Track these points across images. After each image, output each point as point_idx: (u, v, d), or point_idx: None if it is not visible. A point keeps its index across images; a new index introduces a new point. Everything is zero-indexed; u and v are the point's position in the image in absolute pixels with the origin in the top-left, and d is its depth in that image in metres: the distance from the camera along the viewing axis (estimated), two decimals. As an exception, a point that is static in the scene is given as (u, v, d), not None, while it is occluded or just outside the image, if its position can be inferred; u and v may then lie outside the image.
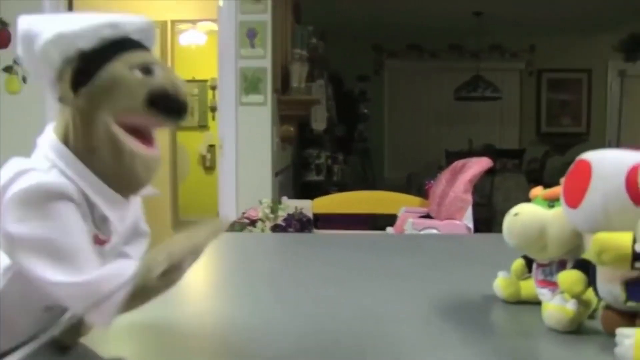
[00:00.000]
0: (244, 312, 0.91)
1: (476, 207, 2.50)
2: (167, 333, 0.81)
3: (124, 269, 0.62)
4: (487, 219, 5.56)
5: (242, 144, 3.41)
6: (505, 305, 0.87)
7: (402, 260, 1.32)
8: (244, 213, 3.13)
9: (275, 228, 2.90)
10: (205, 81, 7.02)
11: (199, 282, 1.18)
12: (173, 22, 5.34)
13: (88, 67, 0.68)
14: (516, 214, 0.81)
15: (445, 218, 2.31)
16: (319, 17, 5.51)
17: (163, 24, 5.29)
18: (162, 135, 5.52)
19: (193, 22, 5.76)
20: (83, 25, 0.69)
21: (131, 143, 0.67)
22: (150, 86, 0.67)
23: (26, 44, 0.69)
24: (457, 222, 2.26)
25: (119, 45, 0.70)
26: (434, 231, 2.25)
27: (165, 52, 5.34)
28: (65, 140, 0.69)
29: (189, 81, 7.29)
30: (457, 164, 2.57)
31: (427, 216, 2.52)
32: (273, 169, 3.50)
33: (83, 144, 0.68)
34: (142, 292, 0.61)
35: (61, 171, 0.67)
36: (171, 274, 0.60)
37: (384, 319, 0.85)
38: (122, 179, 0.69)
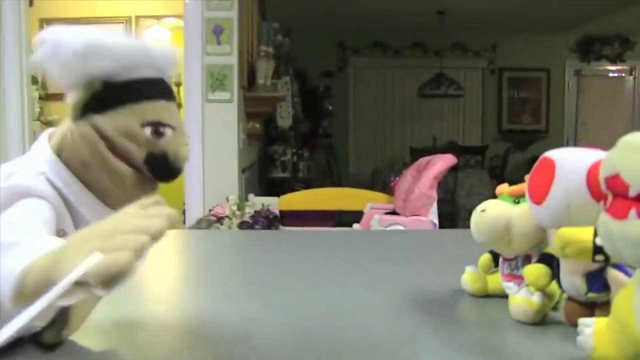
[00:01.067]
0: (214, 308, 0.92)
1: (440, 202, 2.55)
2: (141, 329, 0.81)
3: (23, 249, 0.56)
4: (451, 215, 5.65)
5: (208, 141, 3.40)
6: (473, 299, 0.90)
7: (371, 256, 1.34)
8: (210, 210, 3.12)
9: (242, 225, 2.90)
10: (169, 77, 6.96)
11: (169, 279, 1.19)
12: (137, 17, 5.28)
13: (106, 99, 0.68)
14: (483, 211, 0.84)
15: (410, 214, 2.35)
16: (284, 13, 5.51)
17: (127, 19, 5.23)
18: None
19: (157, 17, 5.70)
20: (119, 46, 0.69)
21: (125, 170, 0.69)
22: (152, 148, 0.68)
23: (53, 51, 0.69)
24: (423, 218, 2.30)
25: (142, 90, 0.70)
26: (400, 227, 2.29)
27: (129, 48, 5.27)
28: (59, 151, 0.70)
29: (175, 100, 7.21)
30: (422, 160, 2.61)
31: (393, 212, 2.56)
32: (240, 166, 3.50)
33: (77, 159, 0.69)
34: (41, 290, 0.52)
35: (48, 179, 0.68)
36: (83, 287, 0.50)
37: (355, 313, 0.87)
38: (112, 193, 0.70)
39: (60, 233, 0.70)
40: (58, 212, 0.68)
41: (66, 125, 0.71)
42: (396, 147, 7.65)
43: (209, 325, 0.83)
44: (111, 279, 0.47)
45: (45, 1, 4.93)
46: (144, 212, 0.53)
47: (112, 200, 0.71)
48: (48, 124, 4.62)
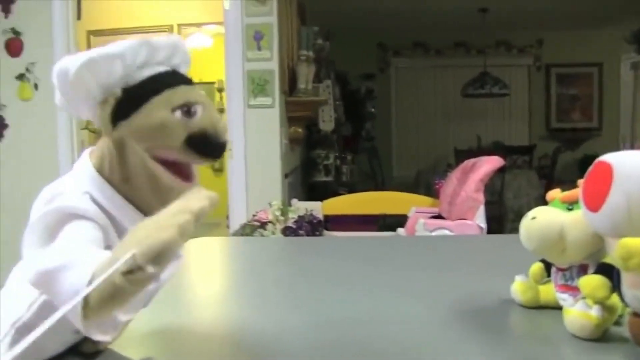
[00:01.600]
0: (256, 317, 0.90)
1: (487, 205, 2.48)
2: (182, 338, 0.80)
3: (84, 262, 0.58)
4: (499, 217, 5.52)
5: (251, 147, 3.40)
6: (524, 310, 0.85)
7: (416, 263, 1.30)
8: (254, 215, 3.11)
9: (286, 230, 2.88)
10: (212, 83, 7.02)
11: (212, 287, 1.17)
12: (179, 25, 5.34)
13: (130, 102, 0.68)
14: (533, 218, 0.79)
15: (456, 218, 2.29)
16: (323, 17, 5.49)
17: (169, 28, 5.30)
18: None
19: (199, 25, 5.76)
20: (115, 48, 0.70)
21: (168, 178, 0.68)
22: (190, 129, 0.67)
23: (62, 77, 0.69)
24: (470, 222, 2.24)
25: (161, 81, 0.70)
26: (446, 232, 2.23)
27: (172, 56, 5.34)
28: (100, 168, 0.70)
29: (195, 84, 7.30)
30: (468, 163, 2.54)
31: (439, 216, 2.50)
32: (282, 171, 3.49)
33: (118, 173, 0.69)
34: (109, 291, 0.54)
35: (92, 198, 0.68)
36: (136, 273, 0.52)
37: (399, 323, 0.83)
38: (156, 207, 0.66)
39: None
40: (104, 230, 0.68)
41: (103, 142, 0.71)
42: (440, 149, 7.54)
43: (250, 336, 0.80)
44: (158, 256, 0.49)
45: (91, 14, 5.03)
46: (188, 195, 0.56)
47: (154, 211, 0.71)
48: (96, 132, 4.70)
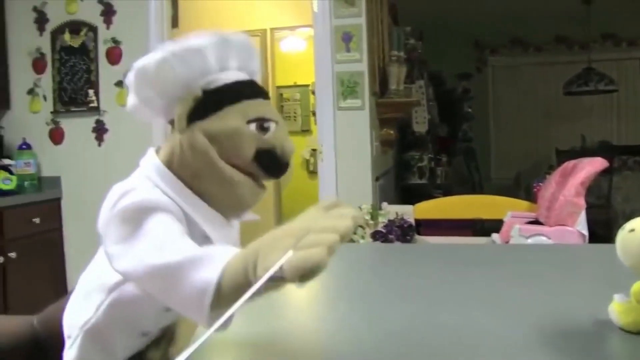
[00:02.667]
0: (335, 327, 0.88)
1: (593, 209, 2.33)
2: (265, 347, 0.79)
3: (212, 257, 0.59)
4: (606, 222, 5.20)
5: (341, 149, 3.37)
6: (624, 335, 0.76)
7: (507, 274, 1.22)
8: (344, 219, 3.08)
9: (376, 235, 2.83)
10: (306, 86, 7.07)
11: (300, 295, 1.14)
12: (272, 29, 5.41)
13: (208, 104, 0.70)
14: (632, 230, 0.71)
15: (555, 224, 2.15)
16: (416, 16, 5.39)
17: (263, 32, 5.37)
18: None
19: (292, 28, 5.82)
20: (195, 42, 0.70)
21: (237, 173, 0.70)
22: (261, 144, 0.70)
23: (141, 75, 0.71)
24: (569, 228, 2.10)
25: (241, 91, 0.72)
26: (543, 238, 2.10)
27: (266, 59, 5.42)
28: (169, 164, 0.72)
29: (290, 86, 7.38)
30: (568, 164, 2.39)
31: (536, 221, 2.37)
32: (373, 174, 3.44)
33: (189, 169, 0.71)
34: (240, 287, 0.56)
35: (163, 191, 0.70)
36: (278, 282, 0.54)
37: (479, 339, 0.77)
38: (225, 202, 0.72)
39: None
40: (180, 221, 0.69)
41: (174, 139, 0.72)
42: (541, 149, 7.20)
43: (328, 343, 0.80)
44: (307, 273, 0.50)
45: (187, 21, 5.18)
46: (329, 213, 0.57)
47: (223, 206, 0.73)
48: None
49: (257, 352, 0.77)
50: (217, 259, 0.58)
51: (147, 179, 0.71)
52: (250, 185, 0.72)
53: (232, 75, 0.72)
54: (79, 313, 0.72)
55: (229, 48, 0.72)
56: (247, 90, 0.72)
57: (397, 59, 3.63)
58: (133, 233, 0.64)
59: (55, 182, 3.67)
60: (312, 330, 0.89)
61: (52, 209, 3.63)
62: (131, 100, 0.73)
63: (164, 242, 0.63)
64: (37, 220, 3.44)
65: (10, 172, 3.42)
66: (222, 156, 0.69)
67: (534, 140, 7.36)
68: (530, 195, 3.16)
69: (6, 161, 3.51)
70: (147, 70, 0.69)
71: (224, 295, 0.56)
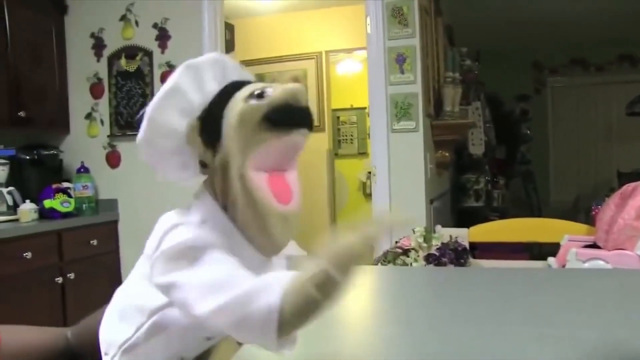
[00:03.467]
0: (381, 350, 0.88)
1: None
2: None
3: (270, 283, 0.60)
4: (671, 246, 4.99)
5: (395, 171, 3.36)
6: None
7: (560, 301, 1.19)
8: (397, 242, 3.06)
9: (429, 258, 2.79)
10: (363, 108, 7.08)
11: (346, 316, 1.14)
12: (327, 52, 5.46)
13: (210, 123, 0.69)
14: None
15: (613, 248, 2.08)
16: (473, 37, 5.35)
17: (318, 55, 5.43)
18: (320, 163, 5.65)
19: (347, 51, 5.86)
20: (167, 84, 0.71)
21: (266, 194, 0.66)
22: (265, 106, 0.66)
23: (143, 142, 0.73)
24: (629, 252, 2.02)
25: (227, 91, 0.71)
26: (601, 263, 2.03)
27: (321, 82, 5.46)
28: (215, 195, 0.71)
29: (347, 109, 7.42)
30: (628, 187, 2.31)
31: (594, 245, 2.29)
32: (427, 196, 3.41)
33: (226, 197, 0.69)
34: (303, 305, 0.58)
35: (211, 227, 0.69)
36: (327, 284, 0.56)
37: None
38: (256, 232, 0.68)
39: None
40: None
41: (213, 172, 0.71)
42: (602, 172, 6.98)
43: None
44: (344, 262, 0.55)
45: (244, 45, 5.30)
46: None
47: (260, 239, 0.69)
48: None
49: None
50: (275, 284, 0.59)
51: (197, 213, 0.70)
52: (280, 210, 0.68)
53: (213, 88, 0.71)
54: (117, 332, 0.72)
55: (198, 71, 0.72)
56: (231, 87, 0.71)
57: (452, 80, 3.61)
58: (189, 269, 0.64)
59: (112, 204, 3.77)
60: (359, 353, 0.88)
61: (109, 231, 3.71)
62: (157, 171, 0.75)
63: (225, 278, 0.63)
64: (94, 242, 3.52)
65: (69, 195, 3.52)
66: (250, 159, 0.67)
67: (594, 163, 7.15)
68: (589, 219, 3.07)
69: (65, 184, 3.61)
70: (146, 137, 0.71)
71: (289, 319, 0.57)
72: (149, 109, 0.69)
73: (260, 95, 0.67)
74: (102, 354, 0.73)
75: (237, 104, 0.67)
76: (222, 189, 0.69)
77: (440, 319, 1.06)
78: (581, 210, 5.65)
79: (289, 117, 0.67)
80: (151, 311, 0.70)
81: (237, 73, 0.76)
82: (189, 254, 0.65)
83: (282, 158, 0.69)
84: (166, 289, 0.65)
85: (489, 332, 0.95)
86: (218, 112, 0.69)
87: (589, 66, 7.01)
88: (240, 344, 0.78)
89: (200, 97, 0.71)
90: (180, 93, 0.69)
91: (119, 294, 0.77)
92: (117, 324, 0.73)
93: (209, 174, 0.72)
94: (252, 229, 0.68)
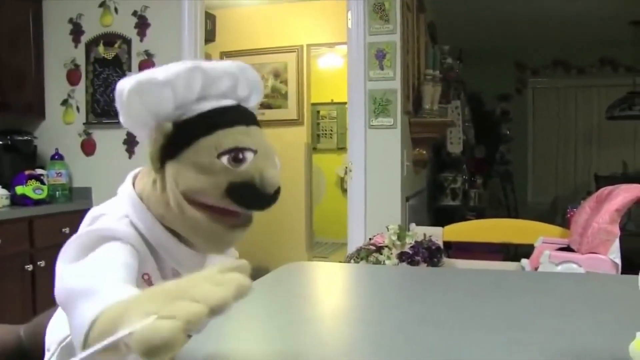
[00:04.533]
0: (342, 349, 0.86)
1: (633, 237, 2.23)
2: None
3: (102, 299, 0.55)
4: (644, 251, 5.03)
5: (371, 167, 3.33)
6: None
7: (529, 304, 1.17)
8: (370, 239, 3.03)
9: (402, 256, 2.77)
10: (344, 103, 7.07)
11: (310, 312, 1.11)
12: (309, 45, 5.41)
13: (179, 140, 0.66)
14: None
15: (587, 251, 2.07)
16: (456, 36, 5.34)
17: (299, 48, 5.38)
18: (297, 157, 5.62)
19: (329, 45, 5.81)
20: (164, 74, 0.65)
21: (205, 223, 0.65)
22: (232, 179, 0.64)
23: (118, 98, 0.67)
24: (602, 256, 2.01)
25: (216, 120, 0.66)
26: (574, 266, 2.02)
27: (302, 75, 5.42)
28: (142, 195, 0.69)
29: (327, 104, 7.38)
30: (603, 191, 2.31)
31: (568, 248, 2.28)
32: (403, 194, 3.38)
33: (158, 209, 0.67)
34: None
35: (132, 222, 0.68)
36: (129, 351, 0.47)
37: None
38: (195, 242, 0.68)
39: (145, 277, 0.68)
40: (142, 256, 0.67)
41: (149, 173, 0.69)
42: (580, 175, 7.03)
43: None
44: (152, 348, 0.43)
45: (225, 36, 5.23)
46: (217, 277, 0.48)
47: (196, 244, 0.69)
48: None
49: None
50: (103, 299, 0.54)
51: (120, 207, 0.69)
52: (217, 229, 0.66)
53: (210, 104, 0.67)
54: (60, 328, 0.71)
55: (204, 77, 0.67)
56: (222, 118, 0.66)
57: (432, 77, 3.59)
58: (77, 256, 0.63)
59: (86, 192, 3.71)
60: (324, 352, 0.85)
61: (82, 219, 3.65)
62: (121, 117, 0.70)
63: (91, 268, 0.61)
64: (66, 230, 3.47)
65: (42, 182, 3.45)
66: (193, 195, 0.65)
67: (573, 165, 7.20)
68: (565, 222, 3.07)
69: (39, 171, 3.54)
70: (120, 97, 0.66)
71: (93, 339, 0.52)
72: (136, 80, 0.64)
73: (236, 159, 0.64)
74: (46, 349, 0.71)
75: (209, 151, 0.64)
76: (154, 193, 0.68)
77: (409, 321, 1.03)
78: (558, 213, 5.68)
79: (249, 199, 0.65)
80: None
81: (250, 90, 0.73)
82: (93, 245, 0.64)
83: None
84: (57, 276, 0.63)
85: (457, 336, 0.93)
86: (192, 134, 0.65)
87: (571, 68, 7.04)
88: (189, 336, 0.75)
89: (192, 102, 0.67)
90: (170, 88, 0.65)
91: None
92: (59, 320, 0.72)
93: (145, 171, 0.71)
94: (192, 240, 0.68)
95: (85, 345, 0.52)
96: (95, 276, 0.59)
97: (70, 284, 0.59)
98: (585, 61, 6.93)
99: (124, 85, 0.65)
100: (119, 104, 0.67)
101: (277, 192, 0.66)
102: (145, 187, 0.69)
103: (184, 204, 0.64)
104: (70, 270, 0.61)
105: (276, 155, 0.69)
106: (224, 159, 0.64)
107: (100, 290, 0.56)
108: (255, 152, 0.65)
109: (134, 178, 0.72)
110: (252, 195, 0.64)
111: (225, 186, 0.64)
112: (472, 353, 0.83)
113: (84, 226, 0.67)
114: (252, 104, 0.73)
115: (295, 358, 0.82)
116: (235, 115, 0.68)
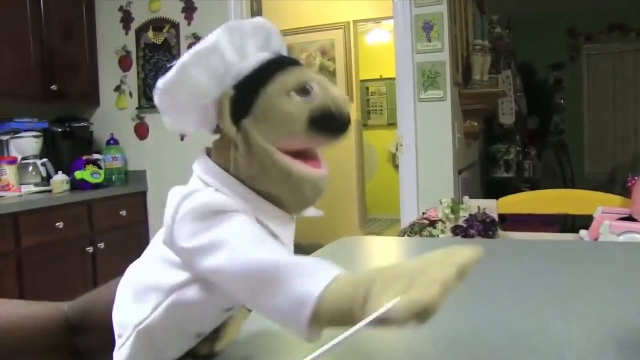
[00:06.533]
0: None
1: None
2: (292, 342, 0.75)
3: (320, 269, 0.57)
4: None
5: (422, 142, 3.30)
6: None
7: (589, 275, 1.14)
8: (424, 213, 3.01)
9: (456, 229, 2.74)
10: (393, 79, 7.00)
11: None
12: (355, 22, 5.36)
13: (245, 96, 0.66)
14: None
15: (650, 220, 2.00)
16: (504, 4, 5.19)
17: (346, 25, 5.34)
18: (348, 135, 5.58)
19: (377, 20, 5.75)
20: (204, 43, 0.66)
21: (299, 166, 0.65)
22: (310, 109, 0.64)
23: (164, 94, 0.67)
24: (665, 225, 1.94)
25: (271, 67, 0.67)
26: (637, 236, 1.96)
27: (349, 52, 5.38)
28: (227, 166, 0.68)
29: (376, 80, 7.31)
30: (666, 157, 2.22)
31: (629, 218, 2.21)
32: (455, 167, 3.34)
33: (247, 171, 0.66)
34: (346, 318, 0.52)
35: (225, 195, 0.66)
36: (392, 324, 0.50)
37: (545, 346, 0.71)
38: (289, 200, 0.67)
39: None
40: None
41: (226, 141, 0.68)
42: (639, 143, 6.77)
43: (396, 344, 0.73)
44: (419, 314, 0.47)
45: (271, 15, 5.23)
46: (450, 259, 0.52)
47: (288, 204, 0.68)
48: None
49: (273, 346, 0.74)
50: (323, 272, 0.55)
51: (204, 183, 0.68)
52: (308, 176, 0.67)
53: (255, 58, 0.67)
54: (131, 312, 0.70)
55: (242, 35, 0.68)
56: (274, 65, 0.67)
57: (481, 48, 3.51)
58: (212, 230, 0.61)
59: (141, 175, 3.81)
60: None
61: (138, 202, 3.77)
62: (166, 120, 0.70)
63: (255, 239, 0.61)
64: (123, 212, 3.58)
65: (99, 167, 3.57)
66: (280, 145, 0.65)
67: (632, 134, 6.92)
68: (625, 192, 2.98)
69: (95, 156, 3.67)
70: (169, 87, 0.66)
71: (323, 315, 0.53)
72: (181, 61, 0.65)
73: (306, 91, 0.65)
74: (116, 336, 0.71)
75: (279, 94, 0.65)
76: (241, 160, 0.66)
77: (462, 294, 1.01)
78: (617, 183, 5.50)
79: (331, 125, 0.66)
80: (168, 289, 0.67)
81: (280, 44, 0.73)
82: (210, 217, 0.62)
83: (310, 148, 0.69)
84: (200, 251, 0.61)
85: (510, 308, 0.91)
86: (255, 87, 0.66)
87: (629, 31, 6.70)
88: (250, 311, 0.76)
89: (237, 63, 0.67)
90: (217, 54, 0.66)
91: (132, 273, 0.74)
92: (131, 304, 0.70)
93: (221, 143, 0.69)
94: (284, 195, 0.67)
95: (313, 322, 0.53)
96: (272, 249, 0.60)
97: (253, 256, 0.58)
98: (646, 22, 6.58)
99: (167, 77, 0.66)
100: (162, 102, 0.68)
101: (349, 116, 0.67)
102: (227, 155, 0.68)
103: (274, 154, 0.64)
104: (234, 244, 0.60)
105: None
106: (295, 96, 0.64)
107: (310, 263, 0.57)
108: (318, 82, 0.66)
109: (210, 154, 0.71)
110: (332, 119, 0.65)
111: (305, 118, 0.64)
112: (525, 325, 0.81)
113: (174, 206, 0.64)
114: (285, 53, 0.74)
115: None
116: (285, 60, 0.68)
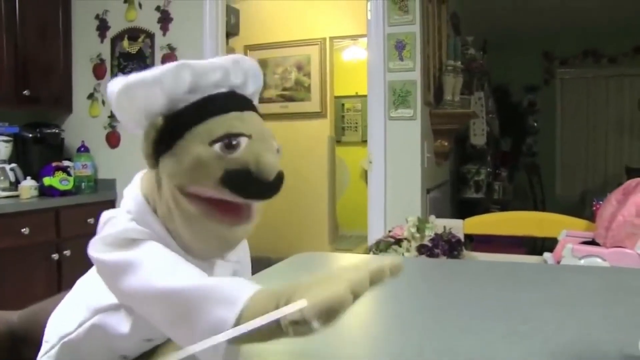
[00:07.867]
0: (355, 341, 0.84)
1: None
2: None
3: (233, 289, 0.55)
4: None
5: (391, 159, 3.29)
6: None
7: (542, 296, 1.13)
8: (390, 231, 2.99)
9: (421, 248, 2.73)
10: (366, 96, 7.03)
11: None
12: (332, 38, 5.37)
13: (172, 132, 0.63)
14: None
15: (612, 245, 2.00)
16: (480, 26, 5.25)
17: (322, 41, 5.35)
18: (320, 149, 5.59)
19: (353, 38, 5.77)
20: (151, 73, 0.63)
21: (204, 216, 0.63)
22: (227, 165, 0.61)
23: (110, 98, 0.66)
24: (628, 250, 1.95)
25: (207, 107, 0.64)
26: (598, 260, 1.96)
27: (325, 68, 5.39)
28: (147, 196, 0.67)
29: (351, 97, 7.33)
30: (631, 182, 2.23)
31: (593, 242, 2.22)
32: (424, 185, 3.34)
33: (159, 209, 0.65)
34: (266, 330, 0.52)
35: (140, 225, 0.65)
36: (301, 326, 0.50)
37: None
38: (195, 247, 0.65)
39: None
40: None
41: (150, 172, 0.68)
42: (611, 167, 6.85)
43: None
44: (326, 312, 0.48)
45: (249, 30, 5.22)
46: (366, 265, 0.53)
47: (195, 247, 0.66)
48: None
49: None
50: (240, 295, 0.54)
51: (127, 210, 0.67)
52: (215, 226, 0.63)
53: (201, 94, 0.65)
54: (61, 323, 0.70)
55: (193, 72, 0.64)
56: (213, 105, 0.64)
57: (454, 68, 3.52)
58: (129, 251, 0.61)
59: (111, 184, 3.77)
60: (330, 342, 0.82)
61: (107, 210, 3.70)
62: (118, 119, 0.69)
63: (167, 267, 0.59)
64: (91, 220, 3.51)
65: (69, 174, 3.53)
66: (189, 188, 0.62)
67: (603, 157, 7.00)
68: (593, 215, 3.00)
69: (65, 163, 3.63)
70: (111, 98, 0.65)
71: (248, 332, 0.52)
72: (125, 81, 0.63)
73: (231, 146, 0.61)
74: (43, 340, 0.70)
75: (202, 139, 0.62)
76: (156, 194, 0.66)
77: (420, 311, 1.02)
78: (587, 206, 5.55)
79: (247, 187, 0.62)
80: (95, 310, 0.67)
81: (253, 84, 0.70)
82: (130, 243, 0.62)
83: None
84: (115, 268, 0.61)
85: (456, 327, 0.91)
86: (183, 125, 0.63)
87: (601, 58, 6.81)
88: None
89: (176, 95, 0.64)
90: (159, 86, 0.63)
91: (78, 285, 0.73)
92: (63, 315, 0.71)
93: (149, 173, 0.68)
94: (190, 242, 0.65)
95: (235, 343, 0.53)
96: (185, 276, 0.58)
97: (166, 283, 0.57)
98: (617, 50, 6.71)
99: (113, 87, 0.64)
100: (111, 104, 0.66)
101: (279, 178, 0.62)
102: (149, 187, 0.67)
103: (179, 198, 0.62)
104: (149, 270, 0.59)
105: (275, 140, 0.66)
106: (217, 147, 0.61)
107: (228, 291, 0.56)
108: (249, 137, 0.62)
109: (142, 179, 0.70)
110: (249, 182, 0.61)
111: (220, 175, 0.61)
112: (471, 344, 0.81)
113: (99, 228, 0.65)
114: (250, 90, 0.70)
115: (303, 349, 0.79)
116: (227, 101, 0.65)
